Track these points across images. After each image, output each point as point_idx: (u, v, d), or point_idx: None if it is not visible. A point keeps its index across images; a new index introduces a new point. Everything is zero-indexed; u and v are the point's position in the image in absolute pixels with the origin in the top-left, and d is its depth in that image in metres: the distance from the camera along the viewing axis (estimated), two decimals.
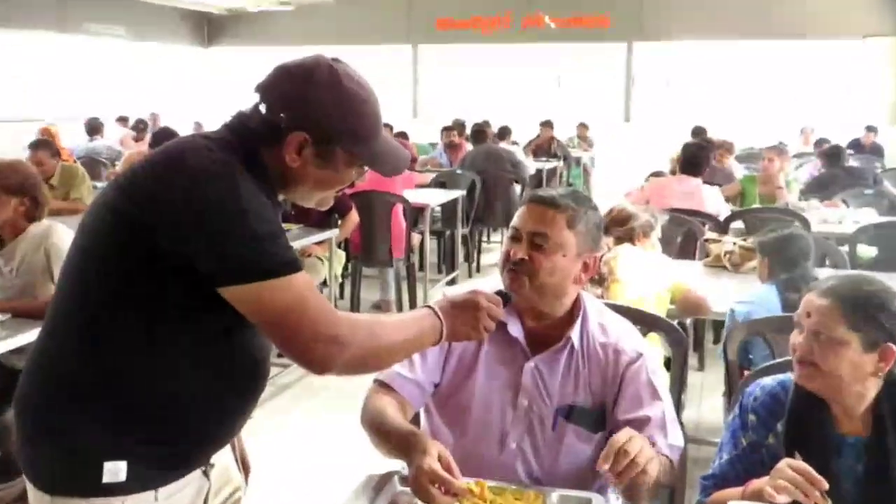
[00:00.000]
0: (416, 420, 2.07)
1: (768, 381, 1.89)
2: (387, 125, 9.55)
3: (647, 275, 3.22)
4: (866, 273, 2.44)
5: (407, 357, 1.77)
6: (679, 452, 1.85)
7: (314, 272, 5.20)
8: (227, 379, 1.56)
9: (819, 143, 10.07)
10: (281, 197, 1.61)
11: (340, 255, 5.61)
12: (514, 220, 1.93)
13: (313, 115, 1.51)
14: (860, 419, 1.76)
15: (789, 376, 1.84)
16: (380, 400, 1.88)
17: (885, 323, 1.71)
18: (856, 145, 11.11)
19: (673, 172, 6.29)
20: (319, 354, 1.45)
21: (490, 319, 1.67)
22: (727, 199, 6.08)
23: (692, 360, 5.05)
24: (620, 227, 3.33)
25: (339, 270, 5.57)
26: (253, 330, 1.53)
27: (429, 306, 1.65)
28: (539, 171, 9.98)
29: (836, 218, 5.71)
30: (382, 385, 1.93)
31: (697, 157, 5.43)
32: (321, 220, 5.24)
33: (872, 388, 1.75)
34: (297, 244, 4.78)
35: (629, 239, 3.32)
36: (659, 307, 3.13)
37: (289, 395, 4.66)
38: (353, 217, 5.54)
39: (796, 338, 1.79)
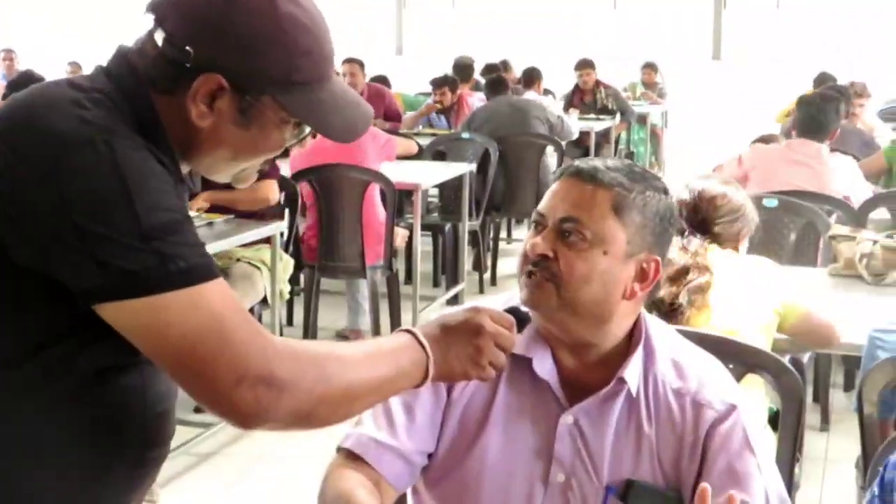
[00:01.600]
0: None
1: None
2: (351, 61, 9.57)
3: (748, 295, 3.23)
4: None
5: (375, 405, 1.78)
6: None
7: (247, 286, 5.21)
8: (107, 445, 1.57)
9: None
10: (186, 169, 1.63)
11: (288, 262, 5.63)
12: (541, 203, 1.95)
13: (232, 48, 1.53)
14: None
15: None
16: (345, 479, 1.89)
17: None
18: None
19: (787, 136, 6.31)
20: (245, 402, 1.46)
21: (499, 350, 1.69)
22: (866, 177, 6.10)
23: (812, 415, 5.08)
24: (708, 223, 3.32)
25: (285, 284, 5.59)
26: (149, 370, 1.55)
27: (409, 331, 1.67)
28: (584, 135, 10.00)
29: None
30: (350, 456, 1.94)
31: (823, 114, 5.45)
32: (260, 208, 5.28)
33: None
34: (221, 245, 4.81)
35: (718, 240, 3.31)
36: (762, 340, 3.14)
37: (214, 468, 4.69)
38: (266, 190, 5.35)
39: None
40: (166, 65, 1.54)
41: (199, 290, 1.45)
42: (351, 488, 1.85)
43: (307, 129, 1.65)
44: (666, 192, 1.97)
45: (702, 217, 3.21)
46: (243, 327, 1.48)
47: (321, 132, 1.63)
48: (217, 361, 1.45)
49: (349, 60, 9.61)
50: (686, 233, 3.14)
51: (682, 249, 3.10)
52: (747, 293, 3.21)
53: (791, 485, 2.74)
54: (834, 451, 4.78)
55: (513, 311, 1.78)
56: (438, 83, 10.21)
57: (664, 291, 2.97)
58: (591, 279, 1.87)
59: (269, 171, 5.30)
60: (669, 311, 2.98)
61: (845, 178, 5.48)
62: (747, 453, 1.90)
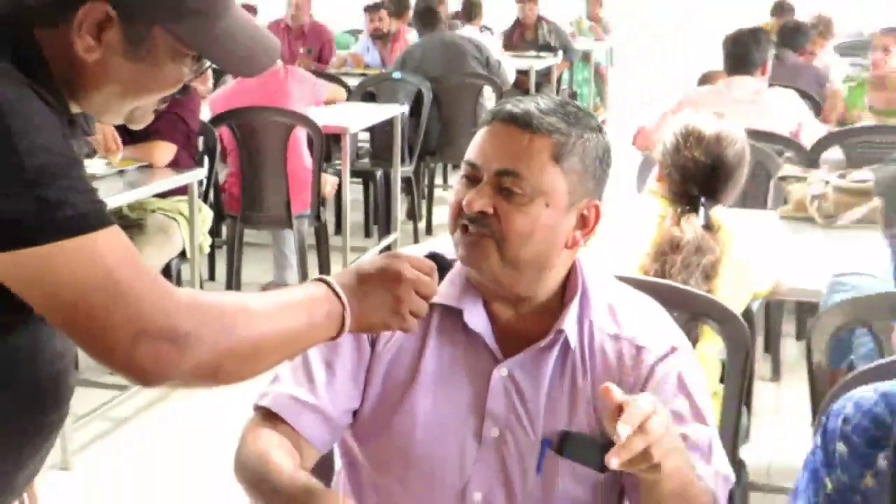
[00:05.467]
0: (327, 465, 2.11)
1: (866, 393, 1.94)
2: None
3: (752, 268, 3.21)
4: None
5: (287, 359, 1.78)
6: (728, 487, 1.91)
7: (163, 239, 5.17)
8: None
9: None
10: (77, 110, 1.61)
11: (207, 213, 5.60)
12: (470, 151, 1.93)
13: None
14: None
15: None
16: (261, 439, 1.89)
17: None
18: None
19: None
20: (145, 358, 1.44)
21: (420, 299, 1.69)
22: (823, 119, 6.18)
23: (763, 365, 5.17)
24: (721, 190, 3.21)
25: (205, 236, 5.57)
26: (41, 327, 1.54)
27: (324, 280, 1.66)
28: (523, 74, 9.99)
29: None
30: (267, 415, 1.94)
31: (747, 49, 5.56)
32: (176, 154, 5.22)
33: None
34: (134, 195, 4.77)
35: (716, 201, 3.22)
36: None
37: (131, 432, 4.68)
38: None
39: None
40: None
41: (89, 240, 1.43)
42: (267, 449, 1.86)
43: (207, 63, 1.63)
44: (601, 130, 1.97)
45: (715, 186, 3.11)
46: (141, 279, 1.46)
47: (219, 65, 1.62)
48: (112, 316, 1.43)
49: None
50: (701, 201, 3.07)
51: (683, 223, 3.02)
52: (736, 276, 3.23)
53: (737, 436, 2.80)
54: (785, 403, 4.87)
55: (433, 256, 1.78)
56: (374, 6, 10.09)
57: (674, 272, 2.96)
58: (534, 234, 1.87)
59: (181, 126, 5.27)
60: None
61: (792, 115, 5.57)
62: (681, 397, 1.94)
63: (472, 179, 1.91)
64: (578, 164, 1.91)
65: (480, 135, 1.94)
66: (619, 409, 1.61)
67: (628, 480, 1.93)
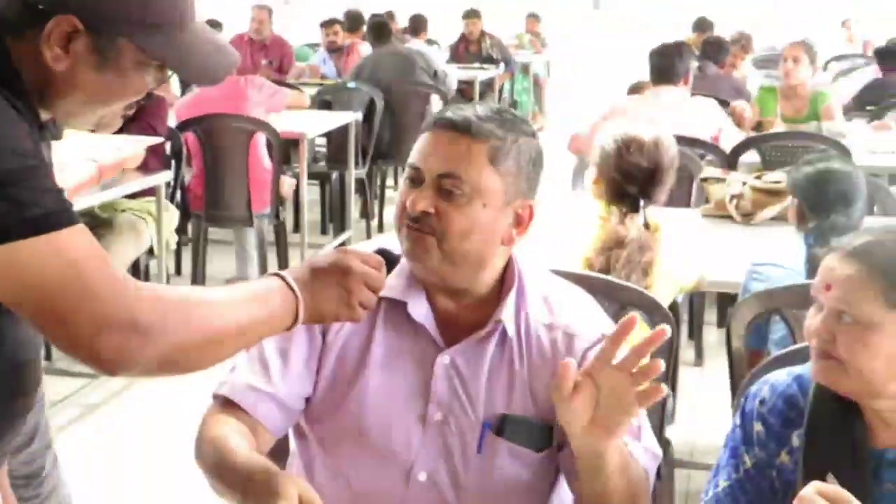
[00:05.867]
0: (282, 449, 2.08)
1: (780, 377, 1.95)
2: (261, 7, 9.36)
3: (681, 264, 3.24)
4: None
5: (244, 349, 1.76)
6: (657, 464, 1.92)
7: (132, 236, 5.14)
8: None
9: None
10: (46, 116, 1.58)
11: (174, 212, 5.57)
12: (413, 155, 1.93)
13: None
14: None
15: (809, 370, 1.90)
16: (220, 426, 1.87)
17: None
18: None
19: None
20: (108, 349, 1.44)
21: (369, 291, 1.69)
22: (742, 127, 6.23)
23: (687, 351, 5.19)
24: (657, 192, 3.19)
25: (172, 234, 5.53)
26: (8, 318, 1.52)
27: (278, 274, 1.66)
28: (466, 84, 10.01)
29: (888, 146, 5.89)
30: (225, 403, 1.93)
31: (671, 60, 5.59)
32: (145, 157, 5.17)
33: None
34: (105, 196, 4.72)
35: (652, 202, 3.25)
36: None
37: (101, 419, 4.62)
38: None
39: (813, 319, 1.84)
40: (19, 6, 1.50)
41: (56, 237, 1.42)
42: (225, 434, 1.84)
43: (170, 73, 1.61)
44: (534, 135, 1.98)
45: (654, 188, 3.17)
46: (103, 273, 1.45)
47: (181, 74, 1.61)
48: (77, 309, 1.42)
49: (260, 6, 9.48)
50: (640, 202, 3.12)
51: (627, 222, 3.08)
52: (685, 265, 3.25)
53: (664, 417, 2.80)
54: (708, 386, 4.89)
55: (381, 252, 1.78)
56: (329, 22, 10.07)
57: (619, 267, 3.00)
58: (472, 232, 1.88)
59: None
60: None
61: (712, 121, 5.60)
62: None
63: (416, 181, 1.91)
64: (513, 167, 1.91)
65: (423, 140, 1.93)
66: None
67: (564, 460, 1.94)
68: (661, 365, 1.67)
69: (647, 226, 3.11)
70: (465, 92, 9.88)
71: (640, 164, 3.12)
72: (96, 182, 4.55)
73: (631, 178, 3.11)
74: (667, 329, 1.69)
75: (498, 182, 1.89)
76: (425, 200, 1.87)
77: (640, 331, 2.92)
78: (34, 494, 2.94)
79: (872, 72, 8.30)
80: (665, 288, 3.12)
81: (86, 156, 4.47)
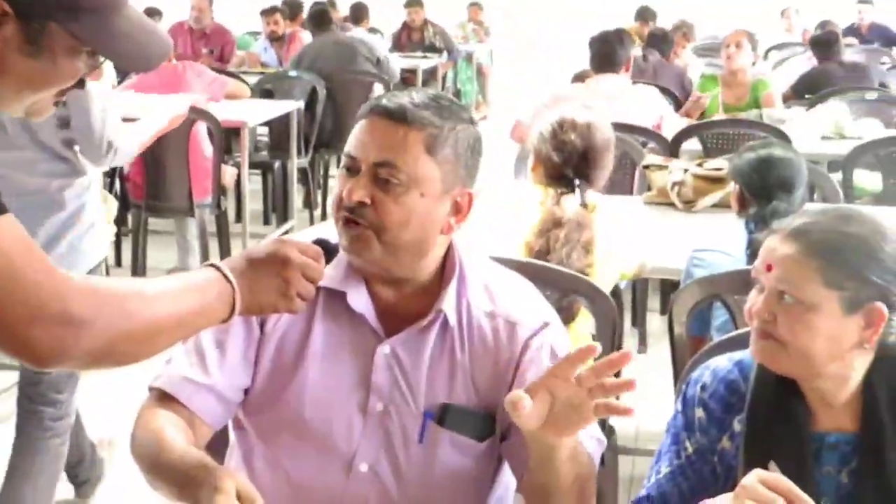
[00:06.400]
0: (221, 441, 2.06)
1: (722, 362, 1.96)
2: None
3: (622, 247, 3.25)
4: (851, 207, 2.55)
5: (180, 340, 1.74)
6: (601, 449, 1.92)
7: None
8: None
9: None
10: None
11: (112, 203, 5.50)
12: (349, 144, 1.91)
13: None
14: (844, 409, 1.84)
15: (750, 355, 1.91)
16: (156, 419, 1.85)
17: (872, 276, 1.77)
18: (855, 31, 11.61)
19: None
20: (40, 341, 1.42)
21: (307, 282, 1.67)
22: (686, 115, 6.27)
23: (630, 339, 5.20)
24: (594, 171, 3.28)
25: (111, 224, 5.45)
26: None
27: (215, 265, 1.64)
28: (409, 73, 10.00)
29: (828, 133, 5.95)
30: (162, 396, 1.90)
31: (611, 48, 5.63)
32: None
33: (858, 366, 1.83)
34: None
35: (589, 185, 3.29)
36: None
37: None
38: None
39: (754, 300, 1.85)
40: None
41: None
42: (161, 427, 1.82)
43: (102, 59, 1.57)
44: (472, 122, 1.96)
45: (588, 169, 3.23)
46: (35, 265, 1.43)
47: (112, 60, 1.58)
48: (8, 301, 1.40)
49: None
50: (575, 182, 3.17)
51: (563, 202, 3.12)
52: (623, 249, 3.26)
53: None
54: (652, 373, 4.90)
55: (320, 242, 1.76)
56: (269, 10, 9.99)
57: (558, 247, 3.03)
58: (410, 222, 1.86)
59: None
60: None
61: (654, 109, 5.64)
62: None
63: (352, 171, 1.89)
64: (451, 155, 1.89)
65: (358, 128, 1.91)
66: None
67: (509, 449, 1.94)
68: (633, 385, 1.65)
69: (584, 206, 3.16)
70: (408, 80, 9.86)
71: (574, 143, 3.20)
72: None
73: (565, 158, 3.19)
74: (629, 353, 1.67)
75: (435, 170, 1.87)
76: (361, 190, 1.85)
77: (586, 321, 2.95)
78: None
79: (807, 60, 8.38)
80: (607, 272, 3.14)
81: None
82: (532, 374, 1.86)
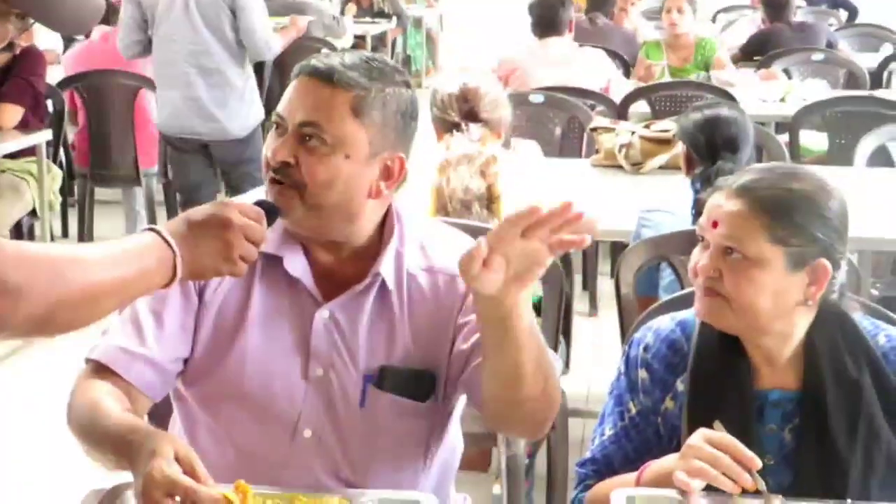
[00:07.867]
0: (163, 412, 2.03)
1: (664, 322, 1.96)
2: None
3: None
4: (794, 165, 2.55)
5: (120, 307, 1.72)
6: (559, 370, 1.89)
7: (14, 197, 5.09)
8: None
9: None
10: None
11: (57, 173, 5.46)
12: (280, 104, 1.89)
13: None
14: (787, 367, 1.85)
15: (692, 315, 1.90)
16: (92, 390, 1.83)
17: (817, 233, 1.78)
18: None
19: None
20: None
21: (249, 244, 1.65)
22: (638, 78, 6.28)
23: (581, 302, 5.22)
24: (476, 111, 3.36)
25: (55, 195, 5.42)
26: None
27: (154, 229, 1.62)
28: (360, 39, 9.93)
29: (775, 95, 5.97)
30: (98, 367, 1.87)
31: (552, 11, 5.62)
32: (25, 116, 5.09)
33: (801, 323, 1.83)
34: None
35: (487, 128, 3.35)
36: None
37: None
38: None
39: (699, 257, 1.84)
40: None
41: None
42: (98, 398, 1.80)
43: (31, 21, 1.52)
44: (408, 85, 1.94)
45: (470, 106, 3.28)
46: None
47: (43, 23, 1.52)
48: None
49: None
50: (462, 124, 3.23)
51: (448, 140, 3.18)
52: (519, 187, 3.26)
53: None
54: (602, 335, 4.92)
55: (261, 203, 1.74)
56: None
57: (472, 184, 3.07)
58: (334, 184, 1.84)
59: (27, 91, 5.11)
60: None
61: (601, 72, 5.65)
62: None
63: (280, 130, 1.87)
64: (379, 117, 1.87)
65: (290, 88, 1.89)
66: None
67: (468, 378, 1.89)
68: (580, 216, 1.60)
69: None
70: (357, 47, 9.77)
71: (454, 93, 3.29)
72: None
73: (446, 106, 3.28)
74: (571, 202, 1.60)
75: (362, 133, 1.85)
76: (285, 150, 1.84)
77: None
78: None
79: (754, 21, 8.39)
80: None
81: None
82: (474, 320, 1.83)
